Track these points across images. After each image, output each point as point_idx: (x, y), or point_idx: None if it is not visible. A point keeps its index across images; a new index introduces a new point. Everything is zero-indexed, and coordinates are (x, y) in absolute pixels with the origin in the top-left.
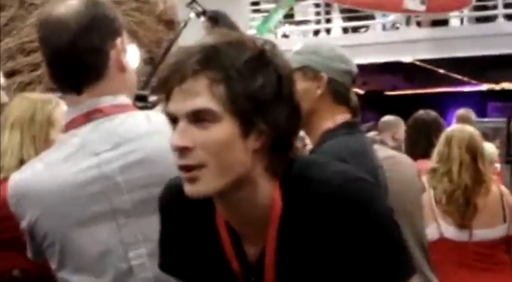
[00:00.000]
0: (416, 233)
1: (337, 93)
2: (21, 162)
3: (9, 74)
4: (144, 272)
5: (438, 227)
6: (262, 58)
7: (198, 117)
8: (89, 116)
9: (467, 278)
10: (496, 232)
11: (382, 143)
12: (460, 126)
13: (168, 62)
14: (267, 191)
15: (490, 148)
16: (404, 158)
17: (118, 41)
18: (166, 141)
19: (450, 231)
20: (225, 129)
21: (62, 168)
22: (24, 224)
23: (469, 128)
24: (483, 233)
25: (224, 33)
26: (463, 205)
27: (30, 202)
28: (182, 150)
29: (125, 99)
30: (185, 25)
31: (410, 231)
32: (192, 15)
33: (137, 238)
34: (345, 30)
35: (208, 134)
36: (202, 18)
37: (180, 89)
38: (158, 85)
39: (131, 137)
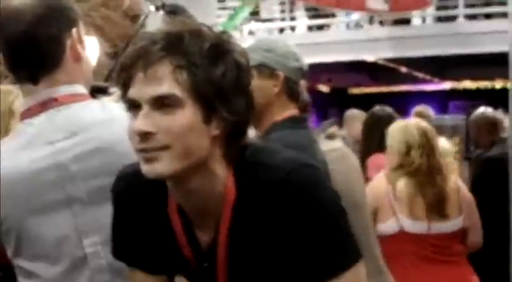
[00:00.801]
0: (363, 223)
1: (291, 90)
2: None
3: None
4: (98, 259)
5: (397, 221)
6: (222, 47)
7: (161, 103)
8: (44, 105)
9: (427, 270)
10: (453, 225)
11: (343, 138)
12: (406, 122)
13: (132, 48)
14: (222, 177)
15: (445, 144)
16: (349, 151)
17: (74, 31)
18: (122, 130)
19: (409, 225)
20: (188, 114)
21: (17, 157)
22: None
23: (419, 123)
24: (441, 225)
25: (184, 22)
26: (431, 197)
27: None
28: (145, 135)
29: (80, 88)
30: (145, 18)
31: (357, 221)
32: (152, 8)
33: (92, 226)
34: (310, 28)
35: (171, 119)
36: (162, 12)
37: (144, 75)
38: (121, 70)
39: (86, 126)
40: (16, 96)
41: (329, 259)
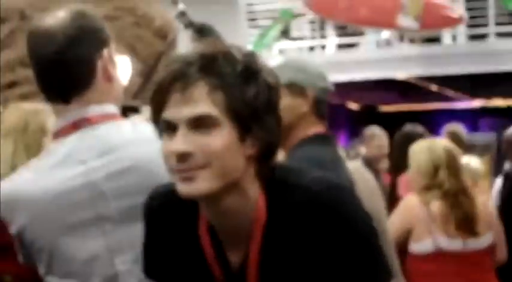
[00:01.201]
0: (384, 240)
1: (319, 109)
2: (14, 170)
3: (8, 86)
4: (129, 278)
5: (433, 240)
6: (253, 67)
7: (198, 123)
8: (76, 125)
9: None
10: (485, 241)
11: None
12: (431, 141)
13: (167, 70)
14: (254, 197)
15: (476, 163)
16: (364, 169)
17: (105, 51)
18: (153, 149)
19: (446, 243)
20: (224, 134)
21: (49, 176)
22: (13, 230)
23: (444, 142)
24: (475, 242)
25: (215, 42)
26: (461, 215)
27: (19, 209)
28: (183, 156)
29: (111, 108)
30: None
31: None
32: (181, 26)
33: (123, 245)
34: (340, 46)
35: (208, 139)
36: (190, 30)
37: (181, 96)
38: (157, 92)
39: (117, 145)
40: (48, 114)
41: (361, 279)
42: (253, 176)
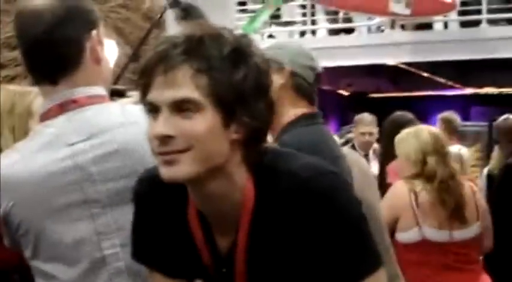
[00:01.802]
0: (378, 226)
1: (299, 86)
2: (1, 152)
3: None
4: (117, 261)
5: (420, 230)
6: (243, 51)
7: (181, 107)
8: (63, 107)
9: (449, 278)
10: (472, 231)
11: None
12: (416, 128)
13: (152, 52)
14: (241, 182)
15: (465, 152)
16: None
17: (94, 32)
18: (141, 132)
19: (432, 233)
20: (207, 118)
21: (36, 158)
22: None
23: (430, 129)
24: (462, 232)
25: (204, 25)
26: (452, 202)
27: (5, 191)
28: (164, 139)
29: (100, 90)
30: (161, 15)
31: (373, 224)
32: (167, 6)
33: (111, 228)
34: (331, 31)
35: (190, 123)
36: (176, 10)
37: (164, 78)
38: (141, 74)
39: (105, 128)
40: (35, 96)
41: (350, 265)
42: (240, 160)
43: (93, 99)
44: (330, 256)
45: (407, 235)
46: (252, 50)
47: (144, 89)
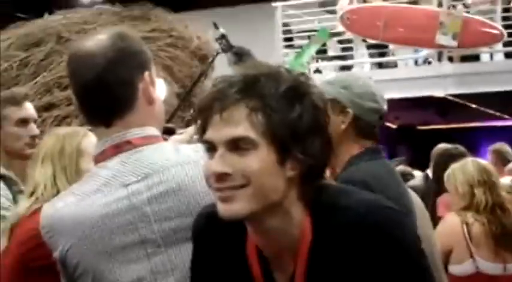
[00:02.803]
0: (433, 260)
1: (361, 130)
2: (57, 192)
3: (46, 108)
4: None
5: (474, 262)
6: (299, 89)
7: (237, 145)
8: (118, 148)
9: None
10: None
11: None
12: (463, 162)
13: (209, 91)
14: (298, 218)
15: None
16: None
17: (146, 74)
18: (195, 171)
19: (486, 266)
20: (262, 156)
21: (92, 199)
22: (56, 254)
23: (476, 161)
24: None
25: (261, 64)
26: (499, 229)
27: (62, 233)
28: (221, 176)
29: (153, 130)
30: (213, 59)
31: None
32: (219, 49)
33: (166, 267)
34: (378, 65)
35: (246, 161)
36: (229, 54)
37: (221, 117)
38: (198, 113)
39: (159, 168)
40: (83, 136)
41: None
42: (297, 197)
43: (147, 140)
44: None
45: (461, 267)
46: (308, 88)
47: (202, 128)
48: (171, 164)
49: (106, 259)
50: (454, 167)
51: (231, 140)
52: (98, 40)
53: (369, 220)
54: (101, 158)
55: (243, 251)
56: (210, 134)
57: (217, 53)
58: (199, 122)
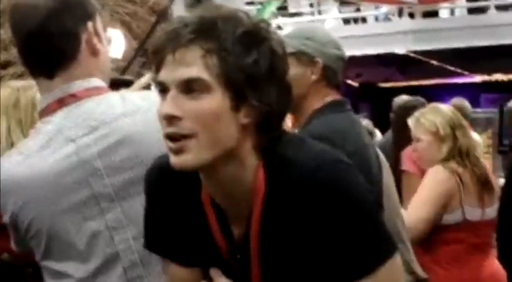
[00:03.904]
0: (391, 209)
1: (330, 79)
2: (12, 145)
3: (2, 66)
4: (130, 255)
5: (462, 211)
6: (258, 34)
7: (189, 87)
8: (62, 102)
9: (478, 260)
10: (495, 210)
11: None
12: (431, 106)
13: (164, 31)
14: (253, 168)
15: (477, 138)
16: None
17: (89, 24)
18: (144, 120)
19: (471, 212)
20: (215, 100)
21: (40, 157)
22: (6, 218)
23: (442, 105)
24: (490, 210)
25: (220, 7)
26: (484, 182)
27: (11, 193)
28: (171, 119)
29: (97, 81)
30: (170, 4)
31: (389, 213)
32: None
33: (122, 222)
34: (338, 21)
35: (198, 104)
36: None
37: (173, 58)
38: (152, 53)
39: (107, 119)
40: (38, 89)
41: (363, 253)
42: (251, 146)
43: (92, 92)
44: (342, 244)
45: (451, 217)
46: (267, 33)
47: (156, 69)
48: (118, 114)
49: (59, 218)
50: (424, 112)
51: (184, 81)
52: None
53: (318, 175)
54: (44, 113)
55: (198, 202)
56: (162, 75)
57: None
58: (153, 63)
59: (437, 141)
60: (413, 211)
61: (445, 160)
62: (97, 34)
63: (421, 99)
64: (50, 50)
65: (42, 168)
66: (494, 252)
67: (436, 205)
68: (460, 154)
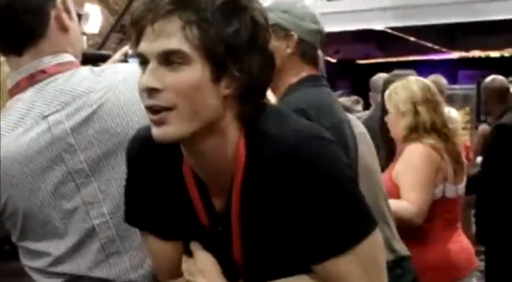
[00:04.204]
0: (374, 187)
1: (306, 52)
2: None
3: None
4: (107, 230)
5: (444, 188)
6: (238, 3)
7: (169, 59)
8: (32, 78)
9: (453, 236)
10: (463, 187)
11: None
12: (404, 80)
13: (142, 2)
14: (233, 141)
15: (454, 114)
16: (355, 119)
17: (58, 0)
18: (115, 93)
19: (448, 189)
20: (196, 72)
21: (12, 137)
22: None
23: (420, 79)
24: (461, 187)
25: None
26: (456, 158)
27: None
28: (151, 92)
29: (67, 56)
30: None
31: (369, 186)
32: None
33: (97, 197)
34: None
35: (178, 76)
36: None
37: (153, 29)
38: (131, 25)
39: (78, 94)
40: None
41: (343, 229)
42: (233, 118)
43: (62, 67)
44: (322, 220)
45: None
46: (249, 4)
47: (135, 41)
48: (89, 88)
49: (35, 197)
50: (396, 86)
51: (163, 52)
52: None
53: (297, 151)
54: (15, 90)
55: (180, 175)
56: (142, 47)
57: None
58: (132, 35)
59: (398, 116)
60: (414, 194)
61: (421, 138)
62: (66, 10)
63: (411, 72)
64: (17, 28)
65: (16, 148)
66: (460, 228)
67: (431, 183)
68: (436, 130)
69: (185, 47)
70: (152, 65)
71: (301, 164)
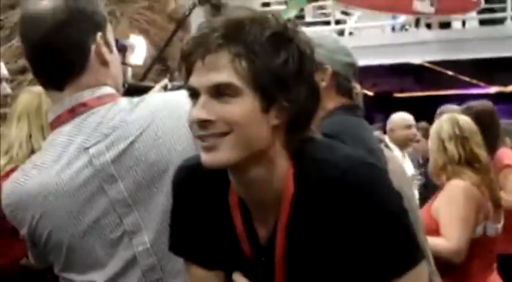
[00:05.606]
0: (415, 222)
1: (340, 85)
2: (32, 152)
3: (20, 72)
4: (148, 258)
5: (484, 225)
6: (285, 35)
7: (220, 92)
8: (73, 112)
9: (491, 278)
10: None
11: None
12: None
13: (193, 36)
14: (282, 169)
15: None
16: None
17: (99, 35)
18: (153, 124)
19: (490, 227)
20: (246, 103)
21: (54, 170)
22: (24, 232)
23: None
24: (500, 226)
25: (248, 10)
26: (493, 196)
27: (28, 208)
28: (203, 123)
29: (107, 89)
30: (190, 12)
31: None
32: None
33: (139, 225)
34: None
35: (230, 108)
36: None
37: (203, 63)
38: (181, 59)
39: (117, 125)
40: None
41: (391, 259)
42: (281, 147)
43: (103, 100)
44: (370, 249)
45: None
46: (295, 34)
47: (186, 74)
48: (128, 119)
49: (80, 228)
50: (443, 118)
51: (214, 86)
52: (48, 1)
53: (350, 177)
54: (56, 123)
55: (225, 204)
56: (192, 80)
57: (194, 6)
58: (183, 68)
59: (431, 153)
60: (454, 232)
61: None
62: (107, 44)
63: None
64: (57, 62)
65: (58, 181)
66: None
67: (471, 220)
68: (470, 164)
69: (235, 80)
70: (203, 97)
71: (353, 190)
